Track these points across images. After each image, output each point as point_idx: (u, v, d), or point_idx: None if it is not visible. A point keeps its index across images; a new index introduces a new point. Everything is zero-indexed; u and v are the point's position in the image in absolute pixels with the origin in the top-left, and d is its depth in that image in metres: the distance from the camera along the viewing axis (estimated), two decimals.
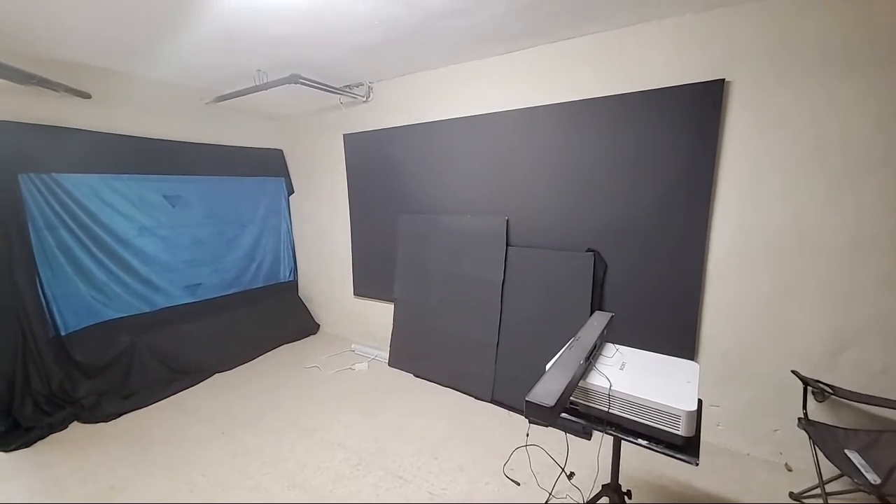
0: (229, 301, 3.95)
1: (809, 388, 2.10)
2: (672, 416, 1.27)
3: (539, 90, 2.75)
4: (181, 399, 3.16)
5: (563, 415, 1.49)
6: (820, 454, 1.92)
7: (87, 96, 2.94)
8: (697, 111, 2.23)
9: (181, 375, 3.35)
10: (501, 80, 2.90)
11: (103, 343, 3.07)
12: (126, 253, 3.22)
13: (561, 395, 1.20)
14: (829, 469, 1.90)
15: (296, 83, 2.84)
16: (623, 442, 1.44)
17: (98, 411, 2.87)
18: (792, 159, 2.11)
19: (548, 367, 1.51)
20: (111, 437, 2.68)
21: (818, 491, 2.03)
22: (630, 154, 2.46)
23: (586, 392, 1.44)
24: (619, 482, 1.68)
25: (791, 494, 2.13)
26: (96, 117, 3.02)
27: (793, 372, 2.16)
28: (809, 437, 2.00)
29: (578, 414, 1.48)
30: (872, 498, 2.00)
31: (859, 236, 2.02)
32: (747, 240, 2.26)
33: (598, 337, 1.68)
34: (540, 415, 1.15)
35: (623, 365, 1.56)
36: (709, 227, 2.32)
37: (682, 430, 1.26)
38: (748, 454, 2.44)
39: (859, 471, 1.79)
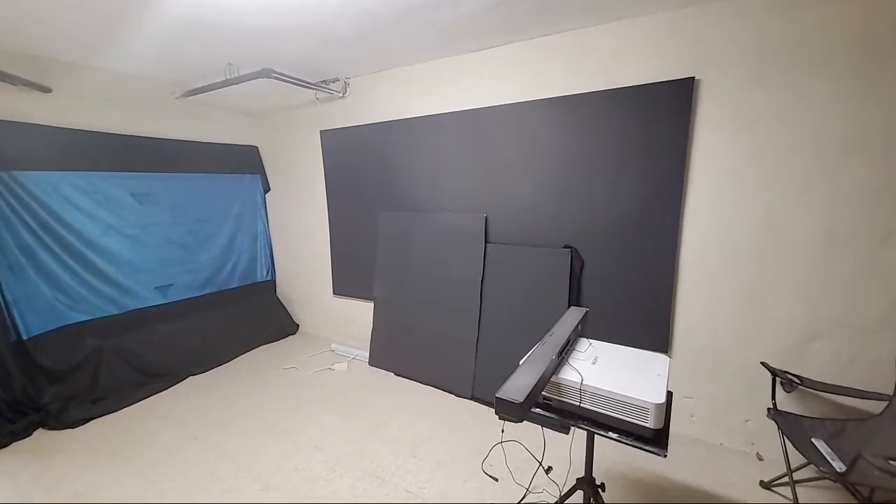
0: (203, 302, 3.84)
1: (778, 379, 2.16)
2: (641, 408, 1.28)
3: (518, 87, 2.75)
4: (153, 403, 3.06)
5: (537, 410, 1.49)
6: (788, 443, 1.97)
7: (47, 90, 2.82)
8: (670, 109, 2.26)
9: (153, 379, 3.25)
10: (479, 76, 2.89)
11: (69, 347, 2.95)
12: (92, 253, 3.09)
13: (531, 391, 1.20)
14: (797, 458, 1.95)
15: (268, 77, 2.78)
16: (596, 435, 1.45)
17: (64, 417, 2.76)
18: (764, 157, 2.14)
19: (521, 362, 1.50)
20: (78, 444, 2.58)
21: (787, 479, 2.09)
22: (607, 151, 2.48)
23: (558, 387, 1.44)
24: (594, 475, 1.69)
25: (762, 483, 2.18)
26: (57, 112, 2.90)
27: (762, 364, 2.21)
28: (778, 427, 2.04)
29: (552, 409, 1.48)
30: (838, 485, 2.09)
31: (833, 231, 2.07)
32: (720, 236, 2.29)
33: (572, 332, 1.68)
34: (510, 411, 1.14)
35: (595, 359, 1.57)
36: (680, 225, 2.36)
37: (650, 422, 1.27)
38: (721, 444, 2.49)
39: (825, 459, 1.84)
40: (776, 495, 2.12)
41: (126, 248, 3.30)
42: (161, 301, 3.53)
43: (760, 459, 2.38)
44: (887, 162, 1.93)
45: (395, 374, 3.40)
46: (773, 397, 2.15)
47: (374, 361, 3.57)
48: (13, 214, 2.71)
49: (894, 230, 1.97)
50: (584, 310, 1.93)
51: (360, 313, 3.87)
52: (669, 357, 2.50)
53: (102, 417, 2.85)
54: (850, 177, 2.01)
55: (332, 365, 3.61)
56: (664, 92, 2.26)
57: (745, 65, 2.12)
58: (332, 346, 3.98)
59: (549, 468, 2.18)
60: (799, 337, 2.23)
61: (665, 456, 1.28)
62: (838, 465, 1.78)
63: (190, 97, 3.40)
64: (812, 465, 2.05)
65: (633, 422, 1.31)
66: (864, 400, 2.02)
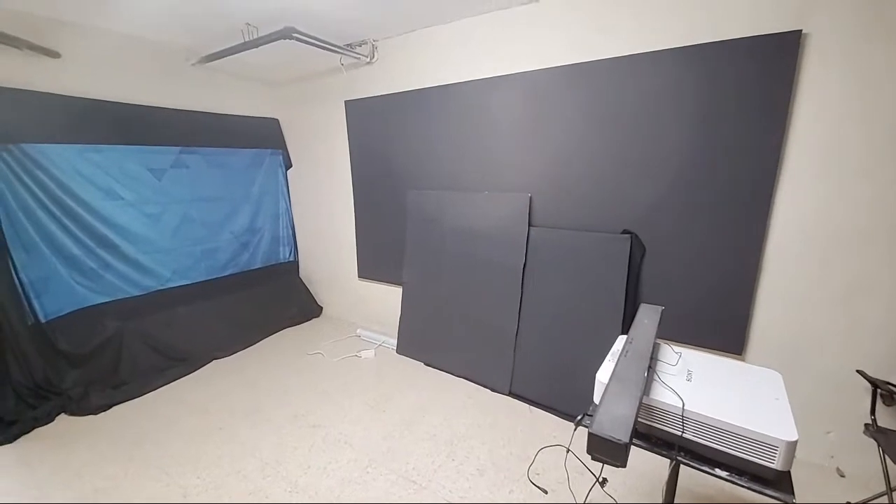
0: (225, 283, 3.69)
1: (879, 391, 1.86)
2: (767, 446, 1.02)
3: (572, 46, 2.39)
4: (176, 388, 2.95)
5: None
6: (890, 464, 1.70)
7: (55, 55, 2.60)
8: (766, 68, 1.89)
9: (176, 363, 3.13)
10: (526, 34, 2.53)
11: (89, 330, 2.83)
12: (110, 232, 2.93)
13: (634, 425, 0.95)
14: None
15: (289, 38, 2.48)
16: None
17: (86, 403, 2.66)
18: (879, 129, 1.77)
19: (601, 377, 1.25)
20: (100, 431, 2.48)
21: (880, 502, 1.82)
22: (682, 122, 2.13)
23: (649, 409, 1.18)
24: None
25: None
26: (67, 79, 2.68)
27: (858, 372, 1.92)
28: (879, 446, 1.77)
29: (638, 435, 1.23)
30: None
31: None
32: (819, 219, 1.94)
33: (654, 338, 1.42)
34: (612, 453, 0.89)
35: (689, 374, 1.30)
36: (771, 206, 2.01)
37: (778, 463, 1.02)
38: (795, 456, 2.21)
39: None
40: None
41: (146, 227, 3.13)
42: (183, 282, 3.38)
43: (842, 476, 2.11)
44: None
45: (426, 364, 3.20)
46: (873, 412, 1.86)
47: (402, 350, 3.38)
48: (25, 190, 2.55)
49: None
50: (658, 308, 1.65)
51: (387, 298, 3.66)
52: (745, 360, 2.22)
53: (125, 403, 2.74)
54: None
55: (359, 352, 3.44)
56: (761, 48, 1.88)
57: (862, 15, 1.72)
58: (358, 331, 3.80)
59: (605, 480, 1.95)
60: None
61: (794, 503, 1.02)
62: None
63: (207, 64, 3.14)
64: None
65: (752, 460, 1.05)
66: None
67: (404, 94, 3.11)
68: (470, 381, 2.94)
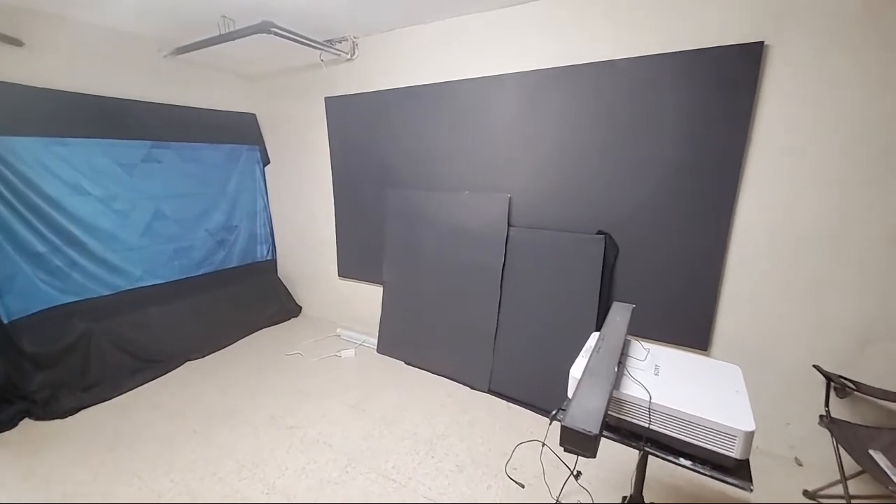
0: (200, 282, 3.60)
1: (832, 384, 1.98)
2: (727, 435, 1.08)
3: (551, 50, 2.44)
4: (149, 391, 2.87)
5: None
6: (843, 453, 1.81)
7: (18, 44, 2.48)
8: (731, 78, 1.98)
9: (148, 365, 3.04)
10: (507, 37, 2.57)
11: (56, 330, 2.72)
12: (77, 229, 2.82)
13: (604, 418, 0.99)
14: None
15: (268, 33, 2.44)
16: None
17: (53, 406, 2.56)
18: (841, 137, 1.88)
19: (574, 372, 1.29)
20: (68, 436, 2.39)
21: (834, 490, 1.94)
22: (651, 125, 2.21)
23: (619, 403, 1.23)
24: (643, 495, 1.52)
25: (805, 493, 2.03)
26: (31, 69, 2.56)
27: (815, 367, 2.03)
28: (832, 436, 1.88)
29: (608, 427, 1.28)
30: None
31: None
32: (781, 221, 2.05)
33: (625, 335, 1.47)
34: (583, 445, 0.93)
35: (657, 369, 1.36)
36: (734, 209, 2.11)
37: (737, 452, 1.08)
38: (757, 447, 2.33)
39: (887, 474, 1.67)
40: None
41: (114, 224, 3.02)
42: (155, 281, 3.29)
43: (799, 465, 2.23)
44: None
45: (406, 363, 3.21)
46: (827, 404, 1.97)
47: (383, 349, 3.38)
48: None
49: None
50: (629, 306, 1.72)
51: (368, 297, 3.65)
52: (710, 355, 2.32)
53: (94, 406, 2.65)
54: None
55: (339, 351, 3.42)
56: (726, 59, 1.97)
57: (826, 26, 1.82)
58: (338, 330, 3.77)
59: (579, 473, 2.01)
60: (857, 338, 2.03)
61: (751, 490, 1.08)
62: None
63: (181, 56, 3.05)
64: (860, 477, 1.92)
65: (713, 449, 1.11)
66: None
67: (385, 92, 3.11)
68: (450, 379, 2.97)
